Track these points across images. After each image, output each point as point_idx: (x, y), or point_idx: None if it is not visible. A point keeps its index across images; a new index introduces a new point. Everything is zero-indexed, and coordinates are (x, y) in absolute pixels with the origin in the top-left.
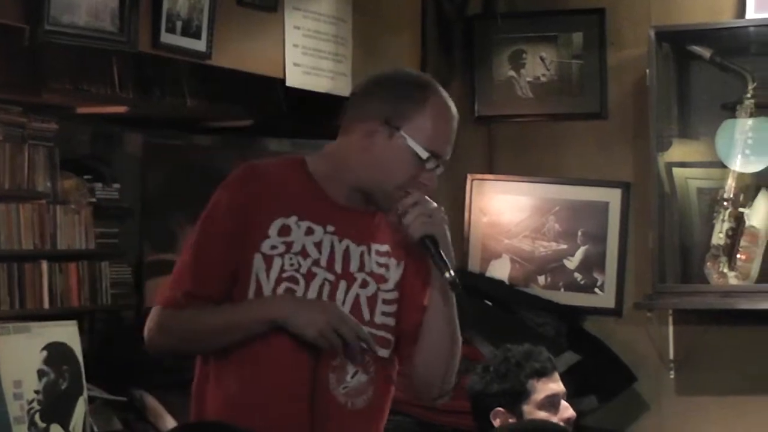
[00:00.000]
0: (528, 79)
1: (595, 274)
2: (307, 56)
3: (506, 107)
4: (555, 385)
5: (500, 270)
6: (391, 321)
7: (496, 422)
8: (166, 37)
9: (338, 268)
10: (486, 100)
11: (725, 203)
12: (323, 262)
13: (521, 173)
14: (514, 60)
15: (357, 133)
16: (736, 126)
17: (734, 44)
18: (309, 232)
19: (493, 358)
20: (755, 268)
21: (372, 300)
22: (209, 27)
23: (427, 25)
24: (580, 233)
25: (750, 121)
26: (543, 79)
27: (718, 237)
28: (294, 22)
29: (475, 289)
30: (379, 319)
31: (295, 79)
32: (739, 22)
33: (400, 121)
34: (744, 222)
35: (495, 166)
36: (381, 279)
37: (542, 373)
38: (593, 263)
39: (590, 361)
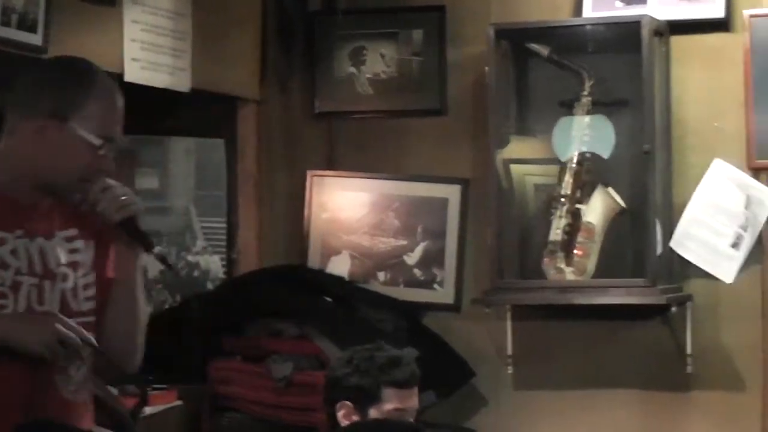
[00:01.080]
0: (368, 75)
1: (435, 270)
2: (146, 51)
3: (346, 104)
4: (408, 400)
5: (340, 266)
6: (92, 304)
7: (340, 413)
8: (0, 31)
9: (39, 269)
10: (326, 97)
11: (562, 200)
12: (24, 269)
13: (361, 169)
14: (354, 56)
15: (25, 131)
16: (573, 123)
17: (572, 42)
18: (1, 243)
19: (361, 350)
20: (591, 264)
21: (75, 291)
22: (46, 20)
23: (267, 20)
24: (419, 229)
25: (587, 119)
26: (383, 75)
27: (555, 233)
28: (132, 17)
29: (314, 285)
30: (84, 305)
31: (133, 74)
32: (577, 21)
33: (68, 112)
34: (580, 218)
35: (335, 162)
36: (77, 266)
37: (401, 385)
38: (432, 259)
39: (429, 357)
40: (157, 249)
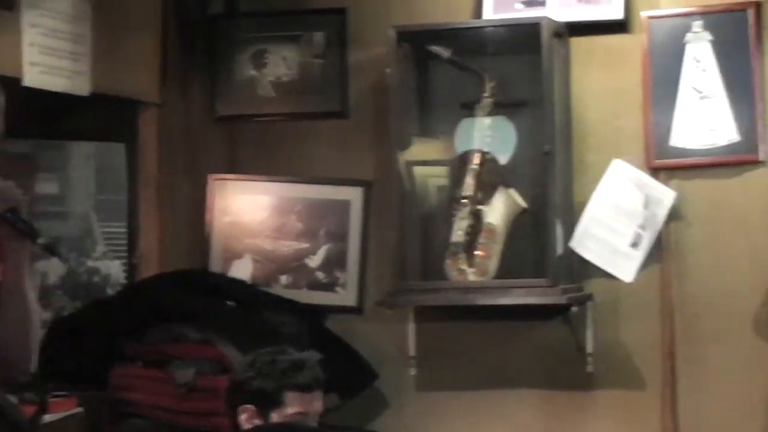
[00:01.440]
0: (270, 78)
1: (337, 273)
2: (45, 55)
3: (248, 107)
4: (311, 404)
5: (242, 270)
6: None
7: (242, 417)
8: None
9: None
10: (227, 100)
11: (464, 201)
12: None
13: (263, 173)
14: (256, 59)
15: None
16: (475, 125)
17: (473, 44)
18: None
19: (264, 353)
20: (493, 265)
21: None
22: None
23: (168, 24)
24: (322, 232)
25: (488, 120)
26: (285, 78)
27: (457, 234)
28: (31, 21)
29: (216, 289)
30: None
31: (32, 78)
32: (477, 23)
33: None
34: (482, 219)
35: (237, 166)
36: None
37: (303, 389)
38: (335, 262)
39: (332, 360)
40: (42, 239)
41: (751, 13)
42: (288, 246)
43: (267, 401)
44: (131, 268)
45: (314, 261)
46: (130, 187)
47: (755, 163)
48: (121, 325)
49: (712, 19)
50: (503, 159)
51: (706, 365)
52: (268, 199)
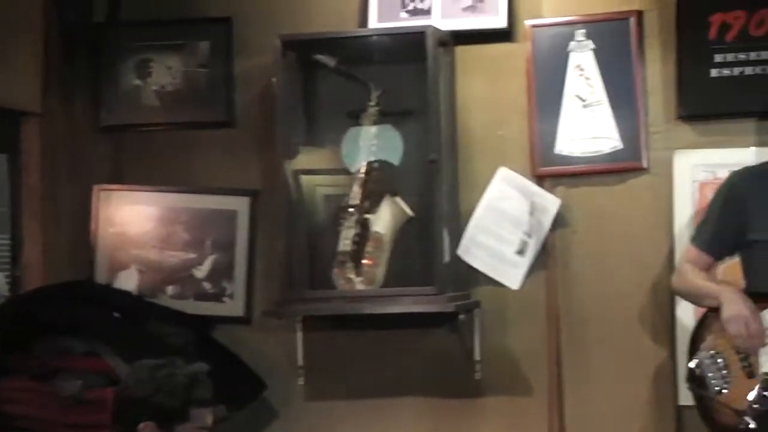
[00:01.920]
0: (154, 87)
1: (224, 283)
2: None
3: (133, 117)
4: (209, 417)
5: (128, 281)
6: None
7: None
8: None
9: None
10: (111, 110)
11: (350, 210)
12: None
13: (149, 183)
14: (140, 68)
15: None
16: (361, 134)
17: (358, 53)
18: None
19: (157, 367)
20: (380, 273)
21: None
22: None
23: (50, 32)
24: (208, 242)
25: (374, 129)
26: (170, 87)
27: (344, 243)
28: None
29: (102, 301)
30: None
31: None
32: (362, 32)
33: None
34: (369, 228)
35: (122, 176)
36: None
37: (204, 404)
38: (222, 272)
39: (220, 371)
40: None
41: (632, 22)
42: (174, 256)
43: (171, 418)
44: (15, 281)
45: (201, 271)
46: (13, 198)
47: (638, 170)
48: (6, 338)
49: (594, 27)
50: (390, 167)
51: (592, 369)
52: (153, 210)
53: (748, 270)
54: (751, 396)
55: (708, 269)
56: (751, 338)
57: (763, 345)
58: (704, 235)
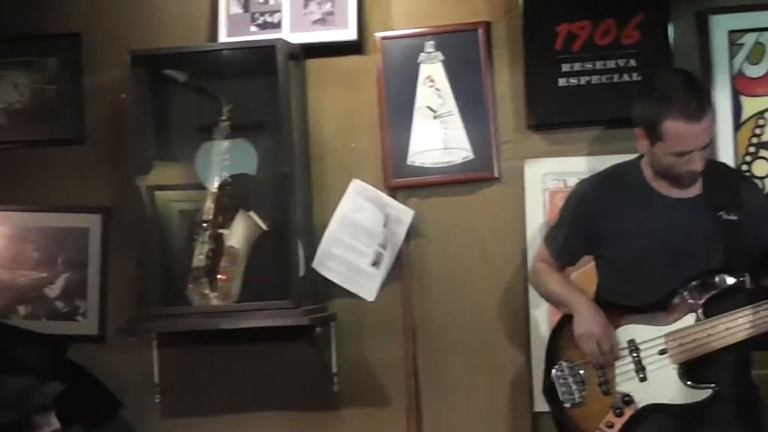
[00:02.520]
0: (1, 106)
1: (78, 302)
2: None
3: None
4: (54, 420)
5: None
6: None
7: None
8: None
9: None
10: None
11: (204, 225)
12: None
13: None
14: None
15: None
16: (214, 148)
17: (209, 67)
18: None
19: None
20: (235, 288)
21: None
22: None
23: None
24: (60, 261)
25: (226, 143)
26: (18, 105)
27: (199, 259)
28: None
29: None
30: None
31: None
32: (212, 46)
33: None
34: (223, 243)
35: None
36: None
37: (47, 408)
38: (75, 290)
39: (75, 390)
40: None
41: (481, 33)
42: (25, 276)
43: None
44: None
45: (53, 290)
46: None
47: (490, 180)
48: None
49: (443, 39)
50: (244, 181)
51: (448, 378)
52: (2, 229)
53: (600, 278)
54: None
55: (562, 270)
56: (603, 355)
57: (617, 359)
58: (557, 241)
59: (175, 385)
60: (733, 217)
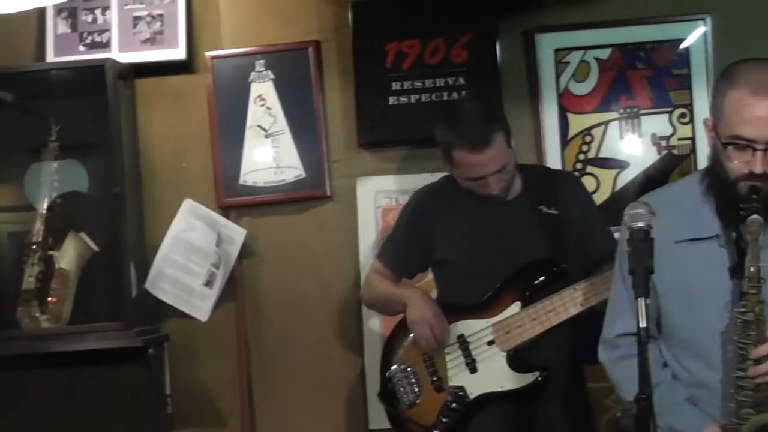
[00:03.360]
0: None
1: None
2: None
3: None
4: None
5: None
6: None
7: None
8: None
9: None
10: None
11: (34, 247)
12: None
13: None
14: None
15: None
16: (43, 169)
17: (37, 87)
18: None
19: None
20: (67, 310)
21: None
22: None
23: None
24: None
25: (55, 164)
26: None
27: (28, 281)
28: None
29: None
30: None
31: None
32: (39, 66)
33: None
34: (54, 265)
35: None
36: None
37: None
38: None
39: None
40: None
41: (311, 52)
42: None
43: None
44: None
45: None
46: None
47: (323, 198)
48: None
49: (274, 58)
50: (74, 202)
51: (283, 397)
52: None
53: (438, 286)
54: (439, 410)
55: (398, 282)
56: (436, 339)
57: (445, 347)
58: (390, 253)
59: (8, 409)
60: (553, 211)
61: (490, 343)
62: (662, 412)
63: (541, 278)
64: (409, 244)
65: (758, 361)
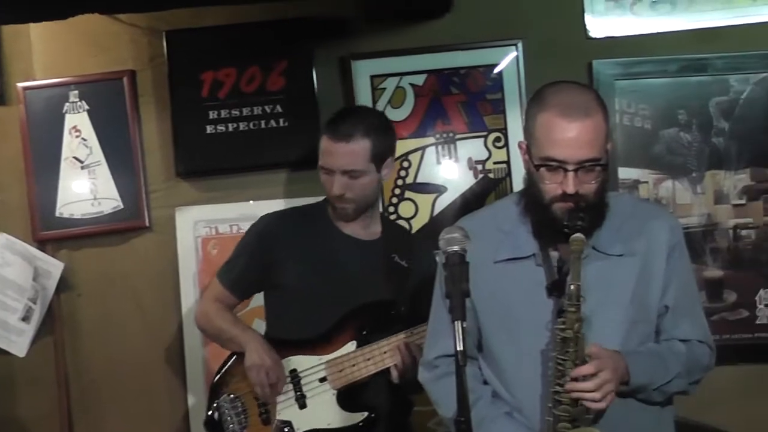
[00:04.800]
0: None
1: None
2: None
3: None
4: None
5: None
6: None
7: None
8: None
9: None
10: None
11: None
12: None
13: None
14: None
15: None
16: None
17: None
18: None
19: None
20: None
21: None
22: None
23: None
24: None
25: None
26: None
27: None
28: None
29: None
30: None
31: None
32: None
33: None
34: None
35: None
36: None
37: None
38: None
39: None
40: None
41: (126, 81)
42: None
43: None
44: None
45: None
46: None
47: (141, 229)
48: None
49: (88, 88)
50: None
51: (106, 429)
52: None
53: (270, 313)
54: None
55: (234, 306)
56: (271, 387)
57: (280, 393)
58: (231, 274)
59: None
60: (404, 263)
61: (323, 380)
62: (482, 425)
63: (379, 319)
64: (251, 264)
65: (576, 377)
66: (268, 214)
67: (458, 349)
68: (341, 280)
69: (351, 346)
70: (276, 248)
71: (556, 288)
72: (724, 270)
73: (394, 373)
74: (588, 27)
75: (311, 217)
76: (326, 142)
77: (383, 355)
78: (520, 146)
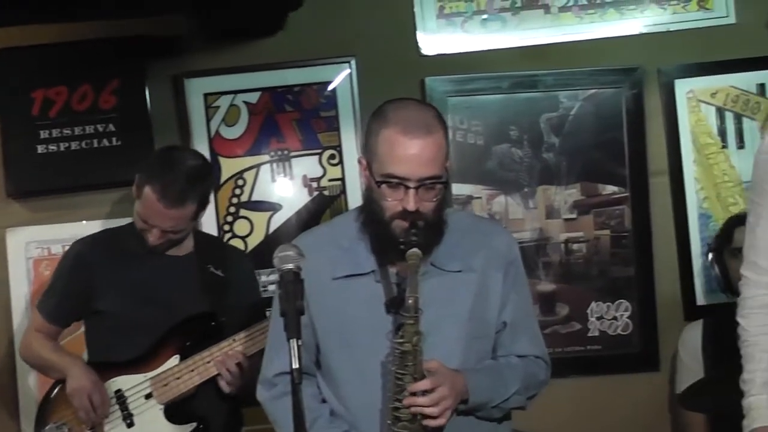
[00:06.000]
0: None
1: None
2: None
3: None
4: None
5: None
6: None
7: None
8: None
9: None
10: None
11: None
12: None
13: None
14: None
15: None
16: None
17: None
18: None
19: None
20: None
21: None
22: None
23: None
24: None
25: None
26: None
27: None
28: None
29: None
30: None
31: None
32: None
33: None
34: None
35: None
36: None
37: None
38: None
39: None
40: None
41: None
42: None
43: None
44: None
45: None
46: None
47: None
48: None
49: None
50: None
51: None
52: None
53: (91, 340)
54: None
55: (58, 335)
56: (95, 410)
57: (106, 416)
58: (49, 305)
59: None
60: (220, 273)
61: (148, 396)
62: None
63: (202, 331)
64: (69, 292)
65: (415, 392)
66: (80, 239)
67: (294, 366)
68: (160, 300)
69: (175, 360)
70: (91, 274)
71: (394, 304)
72: (556, 284)
73: (222, 383)
74: (420, 44)
75: (124, 238)
76: (154, 203)
77: (207, 365)
78: (360, 162)
